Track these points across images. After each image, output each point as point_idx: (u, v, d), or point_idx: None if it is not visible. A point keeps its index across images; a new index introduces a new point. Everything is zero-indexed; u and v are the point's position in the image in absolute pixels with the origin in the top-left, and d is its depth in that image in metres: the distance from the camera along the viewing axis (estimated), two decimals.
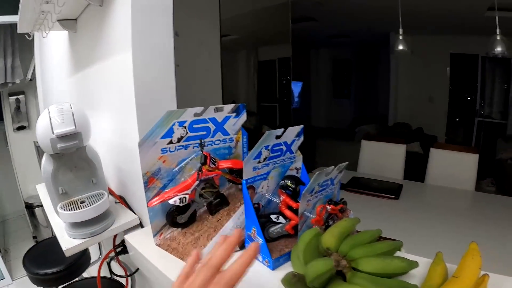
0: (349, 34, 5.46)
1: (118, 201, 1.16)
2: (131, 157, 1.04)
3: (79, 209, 0.97)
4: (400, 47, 2.60)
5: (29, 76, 3.34)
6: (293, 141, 0.76)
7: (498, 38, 2.31)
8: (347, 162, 0.75)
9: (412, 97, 5.28)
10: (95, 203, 0.99)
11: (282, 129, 0.72)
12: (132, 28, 0.88)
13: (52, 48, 2.00)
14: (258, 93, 5.53)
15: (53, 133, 0.89)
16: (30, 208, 3.44)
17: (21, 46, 3.19)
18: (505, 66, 4.57)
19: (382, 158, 2.71)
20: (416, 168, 2.68)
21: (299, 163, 0.80)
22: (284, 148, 0.74)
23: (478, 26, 4.07)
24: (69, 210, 0.96)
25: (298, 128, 0.75)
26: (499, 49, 2.32)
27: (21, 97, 3.63)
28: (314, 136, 5.79)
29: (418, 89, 5.21)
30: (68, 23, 1.49)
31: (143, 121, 0.88)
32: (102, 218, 1.01)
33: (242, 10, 3.71)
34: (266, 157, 0.71)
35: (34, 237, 3.43)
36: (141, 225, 1.06)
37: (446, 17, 3.97)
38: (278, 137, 0.72)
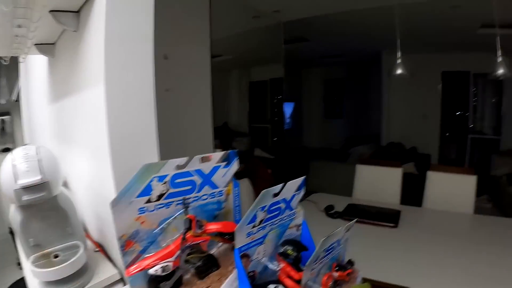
0: (341, 54, 5.44)
1: (97, 249, 1.04)
2: (108, 207, 0.92)
3: (52, 265, 0.85)
4: (399, 70, 2.51)
5: (14, 97, 3.21)
6: (293, 196, 0.65)
7: (499, 59, 2.21)
8: (355, 219, 0.65)
9: (405, 116, 5.26)
10: (70, 257, 0.87)
11: (280, 186, 0.61)
12: (106, 58, 0.77)
13: (35, 71, 1.90)
14: (249, 114, 5.44)
15: (16, 183, 0.78)
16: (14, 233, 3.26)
17: (7, 65, 3.06)
18: (496, 82, 4.58)
19: (379, 182, 2.61)
20: (412, 190, 2.60)
21: (299, 219, 0.69)
22: (283, 206, 0.64)
23: (470, 43, 4.08)
24: (42, 267, 0.84)
25: (298, 181, 0.65)
26: (501, 70, 2.22)
27: (6, 118, 3.49)
28: (307, 157, 5.68)
29: (410, 108, 5.19)
30: (46, 47, 1.40)
31: (119, 170, 0.77)
32: (79, 274, 0.89)
33: (234, 31, 3.65)
34: (262, 220, 0.60)
35: (19, 264, 3.24)
36: (122, 280, 0.94)
37: (438, 36, 3.96)
38: (275, 194, 0.62)
